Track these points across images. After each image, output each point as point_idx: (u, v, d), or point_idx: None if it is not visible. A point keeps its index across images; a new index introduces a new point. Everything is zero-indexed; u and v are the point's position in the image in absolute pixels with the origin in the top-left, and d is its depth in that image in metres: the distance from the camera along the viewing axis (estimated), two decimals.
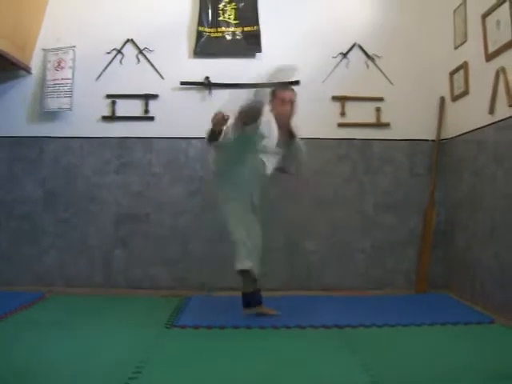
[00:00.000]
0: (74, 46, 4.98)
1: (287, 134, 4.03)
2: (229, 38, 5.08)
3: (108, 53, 5.05)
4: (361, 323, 3.73)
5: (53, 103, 4.93)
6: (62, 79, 4.95)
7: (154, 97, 5.02)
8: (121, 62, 5.06)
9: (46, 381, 2.66)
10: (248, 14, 5.09)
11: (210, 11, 5.08)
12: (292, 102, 4.02)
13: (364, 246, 4.96)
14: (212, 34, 5.06)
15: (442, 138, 4.96)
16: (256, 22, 5.06)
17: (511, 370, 2.82)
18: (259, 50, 5.04)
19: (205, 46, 5.05)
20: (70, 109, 4.94)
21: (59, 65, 4.97)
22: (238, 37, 5.07)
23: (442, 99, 4.99)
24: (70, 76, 4.96)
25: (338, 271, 4.93)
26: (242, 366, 2.92)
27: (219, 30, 5.07)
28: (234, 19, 5.09)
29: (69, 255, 4.94)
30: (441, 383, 2.66)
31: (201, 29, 5.04)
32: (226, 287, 4.53)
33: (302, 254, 4.86)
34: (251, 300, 3.93)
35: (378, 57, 5.06)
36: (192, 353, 3.15)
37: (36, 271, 4.91)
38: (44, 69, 5.01)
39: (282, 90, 3.99)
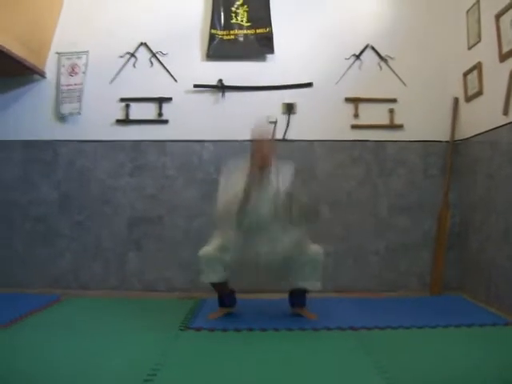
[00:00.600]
0: (87, 51, 5.02)
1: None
2: (241, 40, 5.09)
3: (121, 56, 5.07)
4: (375, 325, 3.72)
5: (66, 108, 4.98)
6: (75, 84, 5.00)
7: (168, 100, 5.04)
8: (134, 65, 5.08)
9: (61, 382, 2.68)
10: (260, 16, 5.09)
11: (222, 14, 5.09)
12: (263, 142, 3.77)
13: (378, 248, 4.95)
14: (225, 37, 5.07)
15: (455, 139, 4.94)
16: (269, 23, 5.06)
17: None
18: (272, 52, 5.04)
19: (217, 49, 5.05)
20: (79, 113, 4.99)
21: (73, 70, 5.01)
22: (250, 39, 5.07)
23: (456, 100, 4.97)
24: (81, 81, 5.01)
25: (353, 273, 4.93)
26: (257, 368, 2.92)
27: (232, 32, 5.08)
28: (247, 21, 5.10)
29: (83, 258, 4.96)
30: None
31: (213, 31, 5.05)
32: (240, 290, 4.53)
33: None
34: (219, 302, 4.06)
35: (391, 58, 5.04)
36: (207, 355, 3.15)
37: (51, 274, 4.95)
38: (58, 73, 5.05)
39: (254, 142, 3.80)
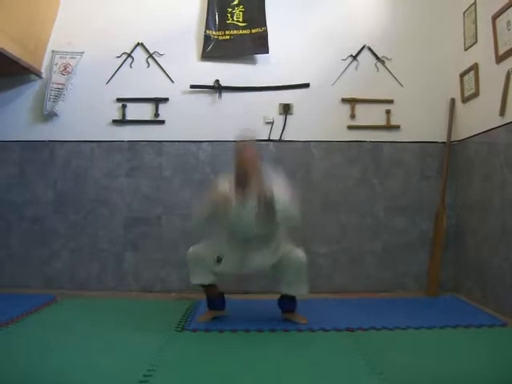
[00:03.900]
0: (82, 52, 5.03)
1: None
2: (237, 40, 5.09)
3: (118, 57, 5.07)
4: (372, 326, 3.72)
5: (49, 106, 4.98)
6: (60, 83, 4.99)
7: (164, 100, 5.04)
8: (131, 65, 5.08)
9: (57, 383, 2.67)
10: (255, 16, 5.09)
11: (217, 14, 5.10)
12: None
13: (375, 249, 4.95)
14: (220, 38, 5.07)
15: (452, 140, 4.94)
16: (263, 23, 5.06)
17: None
18: (266, 52, 5.03)
19: (213, 50, 5.06)
20: (56, 114, 5.01)
21: (65, 69, 5.00)
22: (245, 39, 5.07)
23: (453, 101, 4.97)
24: (64, 81, 5.00)
25: (349, 274, 4.93)
26: (253, 369, 2.92)
27: (227, 32, 5.08)
28: (242, 22, 5.10)
29: (79, 258, 4.96)
30: None
31: (208, 32, 5.05)
32: (237, 291, 4.53)
33: (312, 256, 4.86)
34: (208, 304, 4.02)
35: (388, 59, 5.05)
36: (203, 356, 3.15)
37: (47, 274, 4.94)
38: (50, 71, 5.04)
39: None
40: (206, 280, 3.82)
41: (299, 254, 3.74)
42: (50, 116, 5.02)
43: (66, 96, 5.01)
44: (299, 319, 3.89)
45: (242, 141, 3.82)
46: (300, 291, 3.79)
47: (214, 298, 3.98)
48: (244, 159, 3.68)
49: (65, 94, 5.00)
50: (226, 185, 3.75)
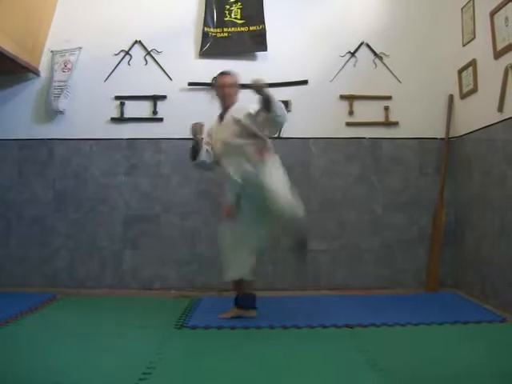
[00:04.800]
0: (80, 48, 5.02)
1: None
2: (235, 37, 5.09)
3: (116, 54, 5.07)
4: (371, 322, 3.72)
5: (55, 104, 4.98)
6: (63, 81, 5.00)
7: (163, 98, 5.04)
8: (129, 63, 5.08)
9: (57, 382, 2.67)
10: (254, 14, 5.09)
11: (215, 12, 5.10)
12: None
13: (374, 246, 4.95)
14: (218, 35, 5.07)
15: (451, 136, 4.95)
16: (262, 21, 5.07)
17: None
18: (265, 49, 5.04)
19: (211, 47, 5.06)
20: (62, 112, 5.02)
21: (65, 66, 5.00)
22: (243, 36, 5.08)
23: (451, 97, 4.97)
24: (66, 78, 5.00)
25: (348, 271, 4.93)
26: (252, 366, 2.92)
27: (225, 30, 5.08)
28: (240, 19, 5.09)
29: (79, 256, 4.96)
30: (452, 382, 2.65)
31: (206, 29, 5.05)
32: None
33: (311, 253, 4.87)
34: (248, 302, 3.94)
35: (386, 55, 5.05)
36: (202, 353, 3.15)
37: (47, 273, 4.95)
38: (51, 70, 5.04)
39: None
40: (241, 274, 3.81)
41: (297, 208, 3.66)
42: (56, 114, 5.02)
43: (69, 93, 5.01)
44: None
45: (223, 72, 4.08)
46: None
47: (244, 295, 3.94)
48: (223, 83, 4.00)
49: (69, 91, 5.00)
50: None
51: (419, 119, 5.00)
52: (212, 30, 5.06)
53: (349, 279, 4.92)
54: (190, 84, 5.02)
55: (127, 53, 5.08)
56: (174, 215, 4.97)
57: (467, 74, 4.64)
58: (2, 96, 5.07)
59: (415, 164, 5.00)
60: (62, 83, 4.98)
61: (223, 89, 3.99)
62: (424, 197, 4.96)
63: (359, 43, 5.07)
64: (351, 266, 4.93)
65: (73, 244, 4.97)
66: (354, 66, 5.06)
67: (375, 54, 5.06)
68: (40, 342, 3.33)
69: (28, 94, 5.07)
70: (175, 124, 4.99)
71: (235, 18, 5.10)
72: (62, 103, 4.97)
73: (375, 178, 5.00)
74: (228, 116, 3.94)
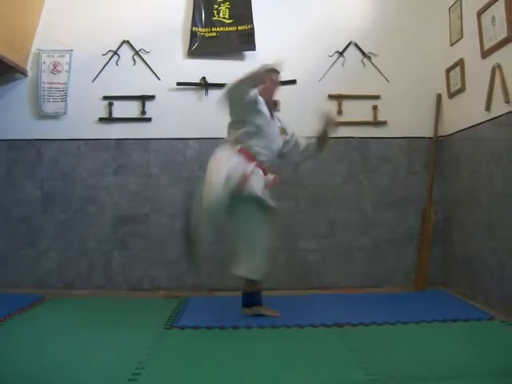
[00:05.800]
0: (71, 50, 5.00)
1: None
2: (223, 37, 5.08)
3: (104, 54, 5.04)
4: (360, 321, 3.74)
5: (50, 107, 4.95)
6: (58, 83, 4.96)
7: (151, 98, 5.02)
8: (117, 63, 5.06)
9: (46, 382, 2.67)
10: (242, 13, 5.09)
11: (203, 11, 5.09)
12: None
13: (363, 245, 4.96)
14: (206, 34, 5.06)
15: (439, 135, 4.97)
16: (250, 20, 5.07)
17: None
18: (253, 49, 5.04)
19: (199, 47, 5.05)
20: (65, 113, 4.97)
21: (55, 68, 4.97)
22: (232, 36, 5.07)
23: (439, 96, 4.99)
24: (65, 80, 4.98)
25: (338, 270, 4.93)
26: (242, 365, 2.92)
27: (213, 29, 5.07)
28: (229, 18, 5.09)
29: (68, 257, 4.93)
30: (440, 380, 2.66)
31: (194, 29, 5.04)
32: (225, 287, 4.54)
33: (301, 253, 4.88)
34: (252, 300, 3.93)
35: (375, 55, 5.06)
36: (192, 353, 3.14)
37: (35, 273, 4.91)
38: (39, 70, 5.00)
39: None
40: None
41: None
42: (55, 116, 5.01)
43: (65, 97, 5.00)
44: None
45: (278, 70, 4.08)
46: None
47: (257, 293, 3.98)
48: (279, 82, 4.17)
49: (67, 93, 5.00)
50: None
51: (407, 118, 5.02)
52: (200, 29, 5.05)
53: (338, 278, 4.92)
54: (179, 84, 5.01)
55: (115, 53, 5.06)
56: (163, 215, 4.95)
57: (455, 74, 4.67)
58: None
59: (404, 163, 5.02)
60: (53, 85, 4.95)
61: (276, 87, 4.14)
62: (413, 196, 4.98)
63: (347, 43, 5.08)
64: (341, 264, 4.94)
65: (61, 244, 4.94)
66: (343, 65, 5.07)
67: (363, 53, 5.07)
68: (29, 343, 3.31)
69: (15, 94, 5.03)
70: (164, 124, 4.99)
71: (223, 18, 5.09)
72: (57, 106, 4.95)
73: (364, 177, 5.01)
74: (275, 117, 4.15)
